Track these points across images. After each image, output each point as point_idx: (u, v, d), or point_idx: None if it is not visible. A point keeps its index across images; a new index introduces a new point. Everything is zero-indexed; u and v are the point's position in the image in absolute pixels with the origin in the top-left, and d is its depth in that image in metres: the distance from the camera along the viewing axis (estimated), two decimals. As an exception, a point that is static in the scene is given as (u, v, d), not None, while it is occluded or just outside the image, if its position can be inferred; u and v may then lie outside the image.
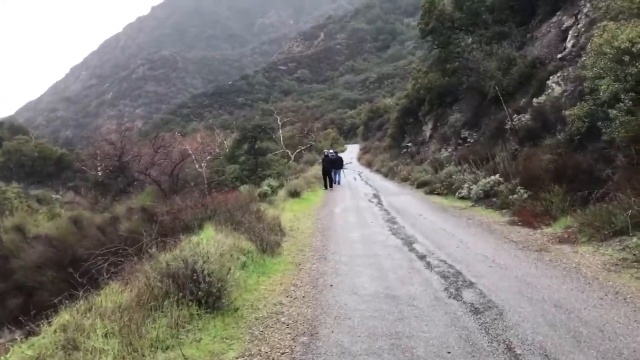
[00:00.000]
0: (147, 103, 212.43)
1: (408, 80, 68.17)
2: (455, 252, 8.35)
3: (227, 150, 45.67)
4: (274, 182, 18.71)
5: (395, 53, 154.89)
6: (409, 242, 9.46)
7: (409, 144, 33.15)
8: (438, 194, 18.50)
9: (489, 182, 15.06)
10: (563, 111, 13.35)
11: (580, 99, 13.37)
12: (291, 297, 6.23)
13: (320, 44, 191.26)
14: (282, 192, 18.63)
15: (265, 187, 16.94)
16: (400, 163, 29.88)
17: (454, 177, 18.40)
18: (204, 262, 5.29)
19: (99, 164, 29.36)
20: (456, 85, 28.00)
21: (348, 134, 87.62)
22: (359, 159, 50.34)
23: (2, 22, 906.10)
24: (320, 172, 25.43)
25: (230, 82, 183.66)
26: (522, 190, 12.53)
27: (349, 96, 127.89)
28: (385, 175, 30.78)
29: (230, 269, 5.60)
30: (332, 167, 24.33)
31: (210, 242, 7.03)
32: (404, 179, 25.32)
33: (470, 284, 6.42)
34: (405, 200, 17.61)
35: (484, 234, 10.01)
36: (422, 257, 8.12)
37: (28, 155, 46.02)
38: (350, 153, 56.31)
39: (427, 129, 30.71)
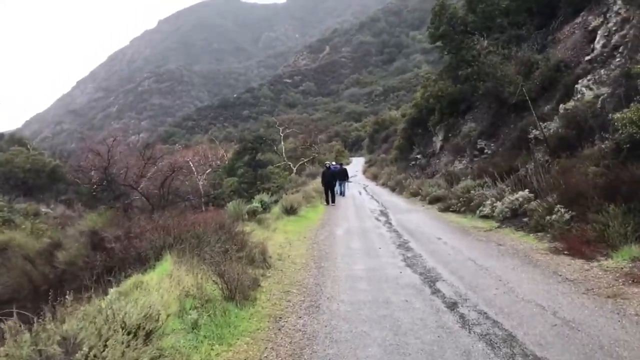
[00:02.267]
0: (153, 116, 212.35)
1: (416, 90, 66.82)
2: (497, 298, 6.10)
3: (227, 162, 43.61)
4: (266, 198, 16.44)
5: (401, 66, 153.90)
6: (430, 280, 7.19)
7: (418, 156, 30.94)
8: (454, 211, 16.24)
9: (517, 199, 12.79)
10: (610, 115, 11.20)
11: (628, 102, 11.27)
12: (255, 391, 3.96)
13: (325, 57, 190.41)
14: (276, 209, 16.41)
15: (255, 204, 14.60)
16: (409, 176, 27.65)
17: (472, 192, 16.17)
18: (90, 349, 3.04)
19: (93, 176, 27.29)
20: (469, 92, 26.07)
21: (353, 147, 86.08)
22: (364, 172, 48.25)
23: (11, 35, 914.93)
24: (321, 186, 23.33)
25: (235, 95, 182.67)
26: (562, 210, 10.26)
27: (354, 109, 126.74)
28: (393, 190, 28.52)
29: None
30: (334, 179, 22.43)
31: (144, 291, 4.86)
32: (414, 194, 23.06)
33: (536, 361, 4.17)
34: (418, 218, 15.32)
35: (525, 267, 7.75)
36: (452, 307, 5.86)
37: (20, 167, 44.09)
38: (355, 166, 54.29)
39: (438, 140, 28.53)
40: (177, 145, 62.59)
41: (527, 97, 15.55)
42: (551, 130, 14.81)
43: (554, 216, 10.33)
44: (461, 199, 16.37)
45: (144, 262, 7.18)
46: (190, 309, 5.16)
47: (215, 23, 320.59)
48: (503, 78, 19.98)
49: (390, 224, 14.29)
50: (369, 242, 11.09)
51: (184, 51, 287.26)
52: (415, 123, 33.78)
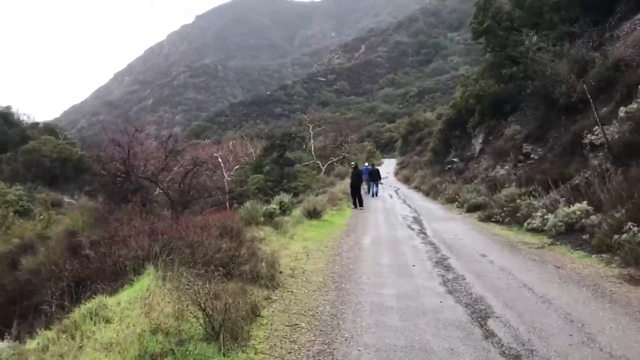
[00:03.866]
0: (187, 110, 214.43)
1: (452, 93, 64.81)
2: (576, 352, 4.49)
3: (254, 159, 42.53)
4: (286, 199, 14.92)
5: (438, 67, 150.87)
6: (480, 316, 5.60)
7: (455, 159, 29.09)
8: (497, 221, 14.52)
9: (573, 212, 11.01)
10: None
11: None
12: None
13: (360, 57, 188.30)
14: (297, 211, 14.91)
15: (273, 205, 12.98)
16: (445, 180, 25.85)
17: (518, 201, 14.43)
18: None
19: (112, 167, 26.39)
20: (513, 93, 24.28)
21: (385, 148, 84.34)
22: (395, 174, 46.56)
23: (51, 28, 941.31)
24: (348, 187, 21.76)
25: (268, 92, 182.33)
26: (635, 228, 8.51)
27: (387, 109, 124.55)
28: (427, 194, 26.77)
29: None
30: (359, 182, 20.88)
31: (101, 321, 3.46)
32: (450, 200, 21.33)
33: None
34: (456, 229, 13.61)
35: (599, 301, 6.08)
36: (515, 362, 4.31)
37: (47, 156, 43.79)
38: (387, 167, 52.53)
39: (477, 143, 26.67)
40: (206, 140, 61.80)
41: (589, 97, 13.66)
42: (615, 135, 12.97)
43: (624, 235, 8.58)
44: (505, 208, 14.63)
45: (122, 275, 5.81)
46: (152, 355, 3.72)
47: (252, 19, 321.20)
48: (554, 77, 18.23)
49: (424, 234, 12.68)
50: (400, 256, 9.49)
51: (219, 47, 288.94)
52: (453, 124, 31.90)
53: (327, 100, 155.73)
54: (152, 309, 4.61)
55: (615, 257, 8.42)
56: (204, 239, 6.63)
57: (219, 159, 45.96)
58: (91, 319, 4.32)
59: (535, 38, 21.32)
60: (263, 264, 6.98)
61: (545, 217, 12.06)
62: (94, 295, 5.14)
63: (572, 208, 11.12)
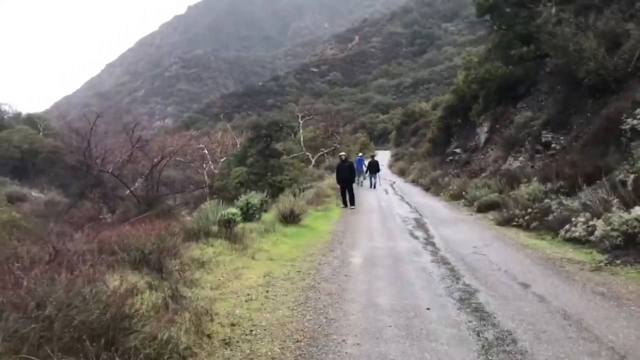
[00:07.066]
0: (179, 101, 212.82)
1: (447, 83, 62.12)
2: None
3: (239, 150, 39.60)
4: (256, 199, 11.71)
5: (432, 58, 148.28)
6: None
7: (457, 150, 26.20)
8: (519, 226, 11.65)
9: (636, 219, 8.14)
10: None
11: None
12: None
13: (354, 47, 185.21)
14: (270, 214, 11.86)
15: (231, 210, 9.48)
16: (448, 174, 22.95)
17: (546, 200, 11.60)
18: None
19: (69, 158, 23.49)
20: (525, 75, 21.50)
21: (379, 139, 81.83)
22: (390, 167, 43.71)
23: (43, 18, 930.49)
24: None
25: (260, 83, 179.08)
26: None
27: (381, 100, 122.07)
28: (427, 189, 23.81)
29: None
30: (351, 176, 17.83)
31: None
32: (455, 196, 18.46)
33: None
34: (472, 236, 10.62)
35: None
36: None
37: (18, 146, 40.57)
38: (381, 159, 49.71)
39: (482, 132, 23.80)
40: (191, 131, 58.80)
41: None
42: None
43: None
44: (529, 209, 11.72)
45: None
46: None
47: (245, 10, 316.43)
48: (579, 53, 15.47)
49: (433, 244, 9.70)
50: (406, 289, 6.39)
51: (212, 37, 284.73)
52: (454, 111, 28.98)
53: (320, 91, 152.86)
54: None
55: None
56: (65, 283, 3.70)
57: (205, 151, 43.03)
58: None
59: (554, 9, 18.49)
60: (184, 317, 4.05)
61: (590, 223, 9.21)
62: None
63: (634, 213, 8.24)
